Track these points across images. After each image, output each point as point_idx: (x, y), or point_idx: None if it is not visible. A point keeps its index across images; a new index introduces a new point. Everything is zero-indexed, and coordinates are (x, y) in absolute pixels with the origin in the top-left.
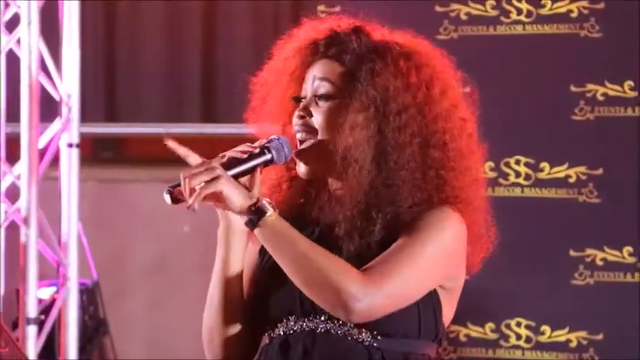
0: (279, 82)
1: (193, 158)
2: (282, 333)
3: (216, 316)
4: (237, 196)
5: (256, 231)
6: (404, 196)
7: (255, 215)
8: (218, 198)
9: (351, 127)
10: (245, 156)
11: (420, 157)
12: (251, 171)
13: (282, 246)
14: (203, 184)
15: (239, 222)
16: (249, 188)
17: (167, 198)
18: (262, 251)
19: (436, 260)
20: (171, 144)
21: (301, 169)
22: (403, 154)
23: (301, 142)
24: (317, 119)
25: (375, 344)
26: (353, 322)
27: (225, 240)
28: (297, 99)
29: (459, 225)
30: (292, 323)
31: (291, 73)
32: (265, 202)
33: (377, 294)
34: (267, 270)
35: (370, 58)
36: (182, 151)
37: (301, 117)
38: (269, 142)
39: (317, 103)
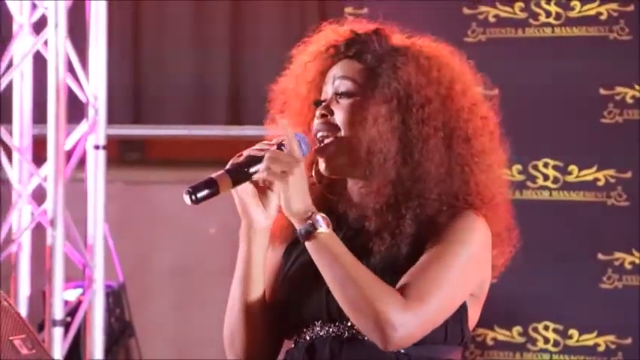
0: (299, 89)
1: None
2: (307, 338)
3: (238, 318)
4: (298, 202)
5: (307, 243)
6: (431, 189)
7: (309, 227)
8: (265, 190)
9: (374, 119)
10: (262, 154)
11: (444, 150)
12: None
13: (328, 263)
14: (266, 171)
15: (261, 221)
16: (268, 186)
17: (187, 199)
18: (286, 255)
19: (468, 273)
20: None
21: (323, 166)
22: (427, 146)
23: (322, 139)
24: (339, 116)
25: (402, 350)
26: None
27: (247, 239)
28: (318, 103)
29: (486, 231)
30: (318, 328)
31: (311, 79)
32: (320, 216)
33: (415, 322)
34: (291, 275)
35: (391, 55)
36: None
37: (323, 115)
38: (282, 138)
39: (338, 101)
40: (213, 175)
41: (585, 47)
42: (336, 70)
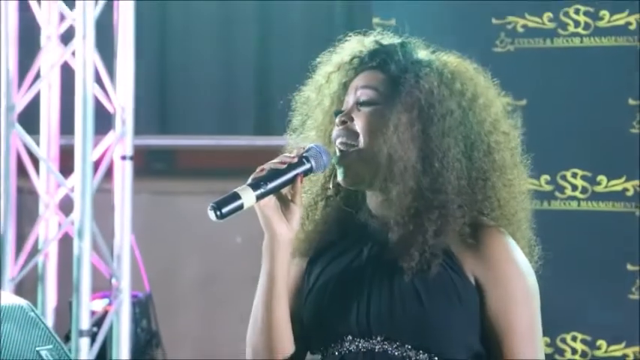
0: (321, 100)
1: None
2: (336, 353)
3: (262, 334)
4: None
5: None
6: (452, 199)
7: None
8: (288, 202)
9: (395, 127)
10: (284, 166)
11: (465, 162)
12: (292, 181)
13: None
14: None
15: (284, 234)
16: (291, 199)
17: (211, 214)
18: (308, 269)
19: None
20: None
21: (341, 177)
22: (448, 157)
23: (341, 147)
24: (359, 123)
25: None
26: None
27: (270, 253)
28: (338, 112)
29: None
30: (348, 344)
31: (333, 91)
32: None
33: None
34: (318, 289)
35: (415, 66)
36: None
37: (343, 122)
38: (307, 150)
39: (359, 109)
40: (237, 189)
41: (614, 57)
42: (359, 81)
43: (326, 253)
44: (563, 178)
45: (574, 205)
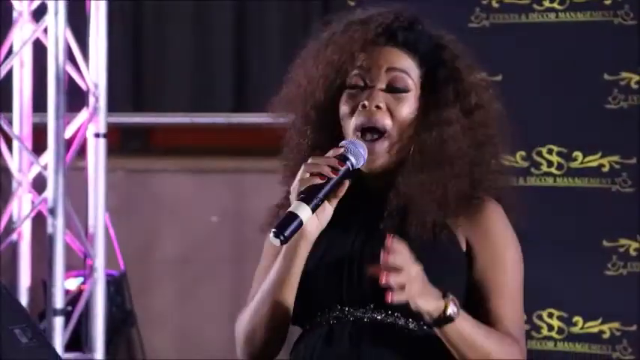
0: (330, 63)
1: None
2: (324, 323)
3: (266, 318)
4: (429, 302)
5: (438, 330)
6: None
7: (442, 321)
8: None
9: (447, 122)
10: (329, 173)
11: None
12: (338, 185)
13: (468, 345)
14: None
15: (313, 231)
16: (327, 199)
17: (276, 241)
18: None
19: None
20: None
21: (367, 163)
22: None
23: (368, 129)
24: (393, 109)
25: (420, 333)
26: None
27: (293, 246)
28: (354, 87)
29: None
30: (337, 312)
31: (349, 54)
32: (452, 309)
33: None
34: (309, 260)
35: (439, 52)
36: None
37: (377, 107)
38: (342, 148)
39: (390, 93)
40: (291, 209)
41: (589, 32)
42: (385, 60)
43: None
44: (539, 154)
45: (550, 181)
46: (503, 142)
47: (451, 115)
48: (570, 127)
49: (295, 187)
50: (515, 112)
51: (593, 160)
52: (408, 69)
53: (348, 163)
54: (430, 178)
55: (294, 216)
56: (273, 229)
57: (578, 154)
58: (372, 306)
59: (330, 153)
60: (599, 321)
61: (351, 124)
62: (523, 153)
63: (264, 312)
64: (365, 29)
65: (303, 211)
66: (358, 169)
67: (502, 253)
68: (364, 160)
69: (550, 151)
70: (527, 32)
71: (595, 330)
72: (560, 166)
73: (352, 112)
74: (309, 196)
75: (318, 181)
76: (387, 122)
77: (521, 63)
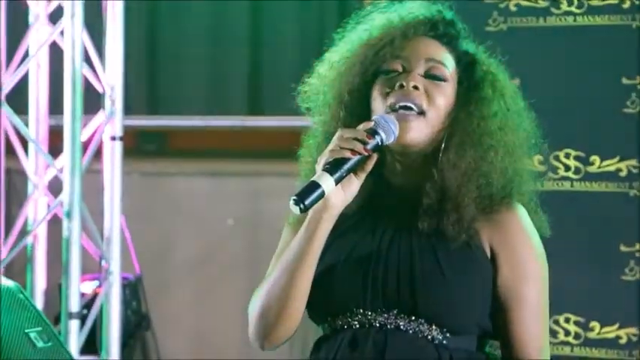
0: (369, 46)
1: None
2: (345, 327)
3: (284, 291)
4: None
5: None
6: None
7: None
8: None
9: (489, 116)
10: (357, 146)
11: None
12: (365, 159)
13: None
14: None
15: (338, 204)
16: (355, 172)
17: (295, 209)
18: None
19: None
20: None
21: (401, 132)
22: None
23: (404, 107)
24: (430, 93)
25: (444, 342)
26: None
27: (316, 220)
28: (390, 72)
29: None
30: (359, 317)
31: (389, 39)
32: None
33: None
34: (330, 260)
35: (475, 51)
36: None
37: (415, 87)
38: (372, 122)
39: (428, 79)
40: (314, 178)
41: (608, 36)
42: (424, 50)
43: (339, 224)
44: (556, 158)
45: (567, 185)
46: (530, 147)
47: (493, 110)
48: (588, 131)
49: (323, 157)
50: (532, 115)
51: (611, 165)
52: (447, 62)
53: (378, 137)
54: (470, 170)
55: (316, 185)
56: (294, 197)
57: (595, 158)
58: (395, 312)
59: (361, 127)
60: (616, 326)
61: (385, 104)
62: (540, 157)
63: (282, 284)
64: (407, 17)
65: (327, 182)
66: (387, 146)
67: (527, 260)
68: (394, 137)
69: (567, 156)
70: (545, 36)
71: (612, 335)
72: (577, 171)
73: (387, 95)
74: (334, 167)
75: (347, 154)
76: (424, 103)
77: (539, 67)
